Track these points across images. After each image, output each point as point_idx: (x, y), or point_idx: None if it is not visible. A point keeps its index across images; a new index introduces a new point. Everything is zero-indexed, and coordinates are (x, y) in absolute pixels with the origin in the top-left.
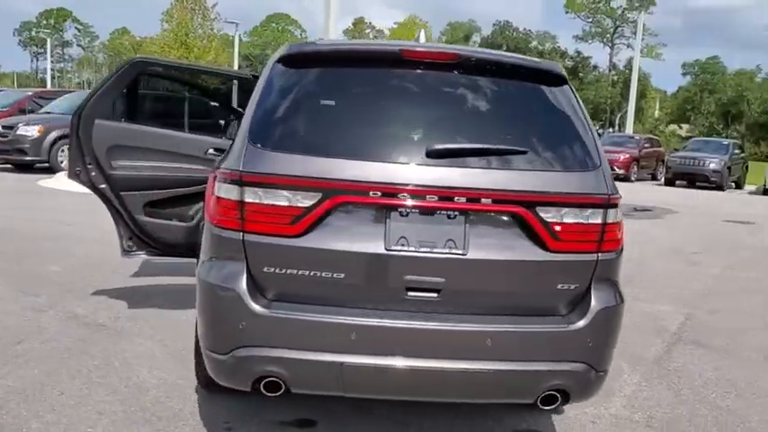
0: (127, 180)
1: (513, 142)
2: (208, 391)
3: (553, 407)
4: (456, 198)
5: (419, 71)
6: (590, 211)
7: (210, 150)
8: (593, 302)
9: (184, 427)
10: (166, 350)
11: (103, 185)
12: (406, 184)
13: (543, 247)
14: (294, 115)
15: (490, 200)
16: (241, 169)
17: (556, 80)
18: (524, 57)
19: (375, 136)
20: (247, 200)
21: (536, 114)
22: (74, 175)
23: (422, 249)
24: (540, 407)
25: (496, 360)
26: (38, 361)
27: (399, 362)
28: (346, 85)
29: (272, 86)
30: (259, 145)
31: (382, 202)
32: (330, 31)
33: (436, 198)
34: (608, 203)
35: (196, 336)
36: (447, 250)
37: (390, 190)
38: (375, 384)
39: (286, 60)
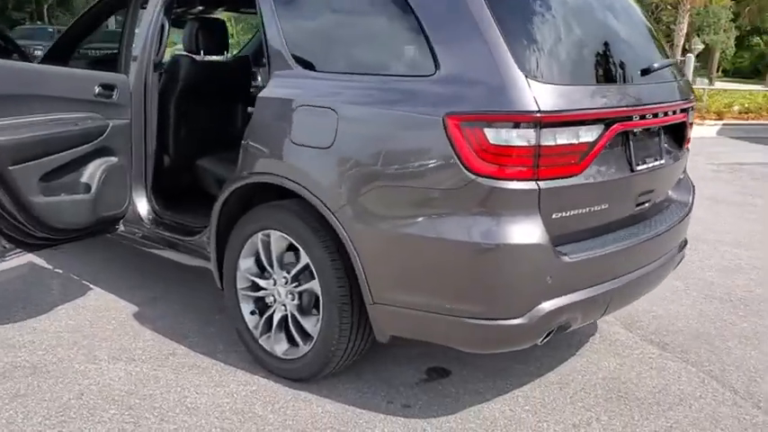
0: (17, 147)
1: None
2: (311, 381)
3: None
4: (670, 112)
5: None
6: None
7: (97, 89)
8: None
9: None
10: (212, 376)
11: None
12: (651, 104)
13: (682, 146)
14: (548, 43)
15: (679, 110)
16: (540, 109)
17: None
18: None
19: (617, 59)
20: (544, 143)
21: (650, 28)
22: None
23: (648, 165)
24: None
25: (675, 249)
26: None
27: (640, 272)
28: (566, 8)
29: (505, 12)
30: (541, 78)
31: (639, 125)
32: None
33: (662, 114)
34: None
35: (253, 337)
36: (657, 162)
37: (644, 111)
38: (621, 301)
39: None
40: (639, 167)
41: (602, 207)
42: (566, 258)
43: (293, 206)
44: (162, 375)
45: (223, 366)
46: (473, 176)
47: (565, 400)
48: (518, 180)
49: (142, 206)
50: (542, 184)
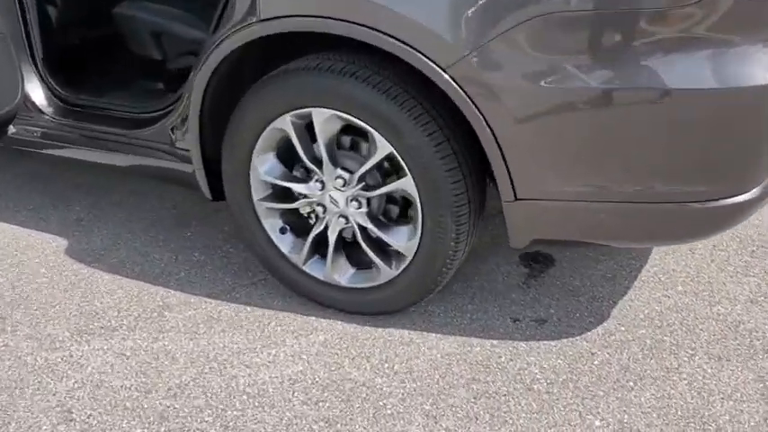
0: None
1: None
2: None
3: None
4: None
5: None
6: None
7: None
8: None
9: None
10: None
11: None
12: None
13: None
14: None
15: None
16: None
17: None
18: None
19: None
20: None
21: None
22: None
23: None
24: None
25: None
26: None
27: None
28: None
29: None
30: None
31: None
32: None
33: None
34: None
35: (292, 264)
36: None
37: None
38: None
39: None
40: None
41: None
42: None
43: (353, 67)
44: (173, 348)
45: (251, 312)
46: None
47: (711, 270)
48: None
49: (35, 90)
50: None
